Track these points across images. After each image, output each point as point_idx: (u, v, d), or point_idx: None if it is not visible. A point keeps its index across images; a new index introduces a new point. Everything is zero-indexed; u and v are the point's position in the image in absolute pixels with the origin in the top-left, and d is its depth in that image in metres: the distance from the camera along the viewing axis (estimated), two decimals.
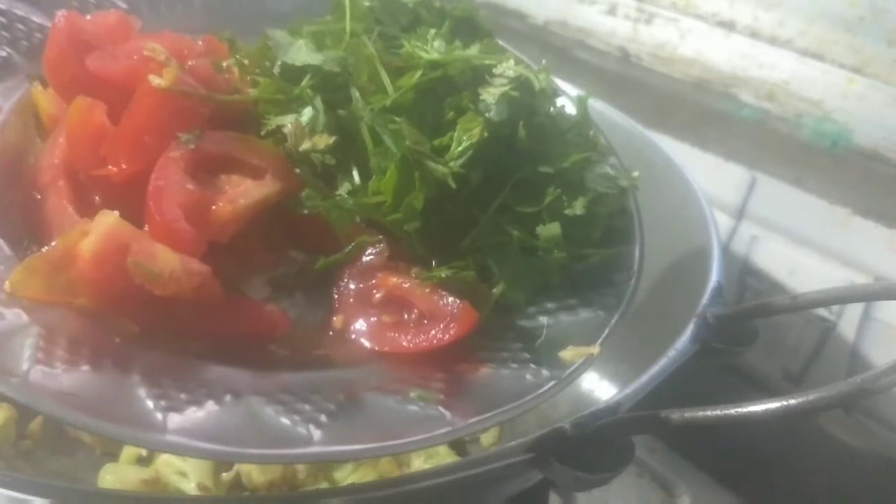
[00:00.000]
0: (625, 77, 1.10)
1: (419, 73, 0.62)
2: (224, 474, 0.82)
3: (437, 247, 0.60)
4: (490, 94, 0.60)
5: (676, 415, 0.54)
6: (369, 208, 0.59)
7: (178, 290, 0.52)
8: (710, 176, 0.98)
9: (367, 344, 0.56)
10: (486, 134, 0.59)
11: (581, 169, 0.62)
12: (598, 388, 0.88)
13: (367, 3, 0.71)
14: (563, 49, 1.16)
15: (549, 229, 0.60)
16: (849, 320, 0.94)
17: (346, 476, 0.82)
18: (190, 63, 0.64)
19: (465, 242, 0.60)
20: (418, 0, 0.73)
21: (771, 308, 0.71)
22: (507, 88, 0.60)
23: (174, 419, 0.45)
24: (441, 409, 0.49)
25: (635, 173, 0.67)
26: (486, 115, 0.59)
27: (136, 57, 0.61)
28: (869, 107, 0.89)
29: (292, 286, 0.60)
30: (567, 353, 0.55)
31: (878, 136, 0.90)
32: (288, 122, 0.62)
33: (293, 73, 0.65)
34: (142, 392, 0.47)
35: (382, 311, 0.57)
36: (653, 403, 0.60)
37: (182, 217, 0.54)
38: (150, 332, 0.52)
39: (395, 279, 0.57)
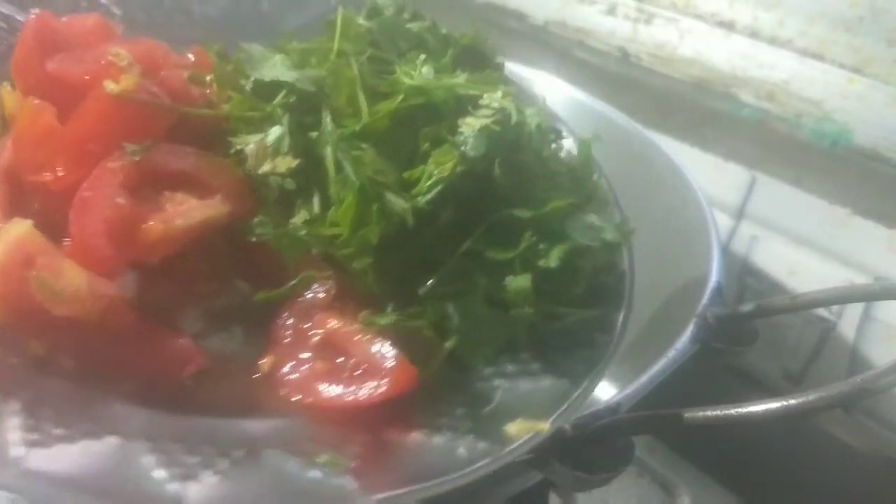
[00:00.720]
0: (624, 77, 1.10)
1: (399, 98, 0.58)
2: None
3: (395, 290, 0.54)
4: (469, 126, 0.55)
5: (676, 415, 0.54)
6: (324, 240, 0.54)
7: (81, 313, 0.48)
8: (709, 176, 0.98)
9: (291, 393, 0.51)
10: (459, 169, 0.54)
11: (563, 216, 0.56)
12: (599, 388, 0.88)
13: (365, 25, 0.68)
14: (562, 49, 1.16)
15: (519, 281, 0.54)
16: (849, 320, 0.94)
17: None
18: (162, 73, 0.61)
19: (424, 287, 0.54)
20: (425, 25, 0.69)
21: (771, 308, 0.71)
22: (488, 121, 0.55)
23: (36, 455, 0.41)
24: (349, 478, 0.44)
25: (628, 227, 0.60)
26: (462, 148, 0.54)
27: (100, 61, 0.58)
28: (869, 107, 0.89)
29: (231, 319, 0.56)
30: (514, 427, 0.48)
31: (878, 136, 0.90)
32: (252, 141, 0.58)
33: (267, 91, 0.61)
34: (14, 422, 0.43)
35: (317, 357, 0.52)
36: (653, 404, 0.61)
37: (103, 232, 0.50)
38: (54, 355, 0.48)
39: (336, 322, 0.52)
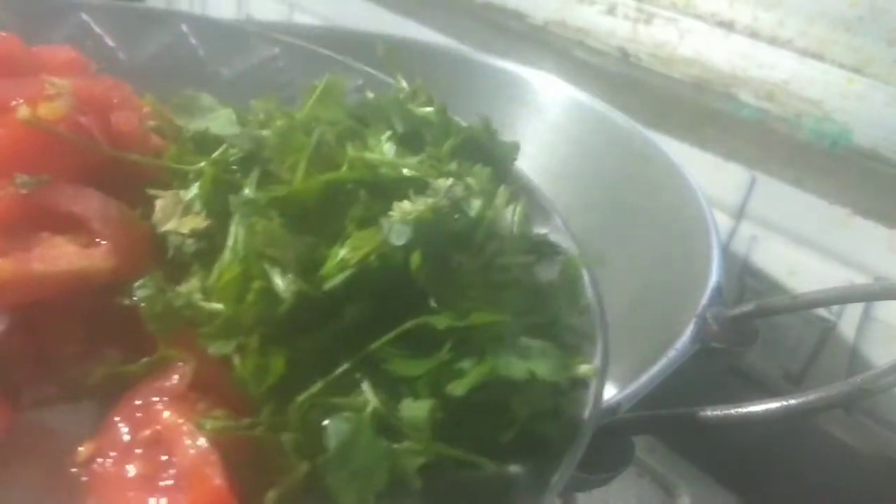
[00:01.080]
0: (624, 77, 1.10)
1: (341, 171, 0.51)
2: None
3: (273, 391, 0.45)
4: (401, 211, 0.47)
5: (676, 415, 0.54)
6: (202, 316, 0.47)
7: None
8: (709, 176, 0.98)
9: (94, 490, 0.44)
10: (374, 258, 0.46)
11: (491, 335, 0.46)
12: None
13: (362, 98, 0.63)
14: (562, 49, 1.16)
15: (415, 408, 0.43)
16: (849, 320, 0.94)
17: None
18: (114, 115, 0.57)
19: (304, 395, 0.44)
20: (435, 110, 0.62)
21: (771, 308, 0.71)
22: (424, 208, 0.47)
23: None
24: None
25: (586, 368, 0.50)
26: (386, 234, 0.47)
27: (38, 90, 0.53)
28: (869, 107, 0.89)
29: (86, 390, 0.48)
30: None
31: (878, 136, 0.89)
32: (167, 195, 0.53)
33: (210, 145, 0.56)
34: None
35: (142, 456, 0.44)
36: (653, 404, 0.60)
37: None
38: None
39: (173, 418, 0.44)
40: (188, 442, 0.43)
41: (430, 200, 0.48)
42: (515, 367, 0.45)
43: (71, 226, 0.50)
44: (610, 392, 0.67)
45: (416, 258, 0.46)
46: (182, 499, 0.41)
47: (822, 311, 0.96)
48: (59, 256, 0.48)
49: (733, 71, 0.99)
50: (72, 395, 0.48)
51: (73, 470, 0.44)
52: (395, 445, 0.43)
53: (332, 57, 0.78)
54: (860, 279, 0.93)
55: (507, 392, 0.45)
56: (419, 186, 0.51)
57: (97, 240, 0.50)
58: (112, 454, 0.44)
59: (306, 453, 0.43)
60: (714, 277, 0.72)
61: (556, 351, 0.47)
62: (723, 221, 1.01)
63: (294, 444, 0.43)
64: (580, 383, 0.49)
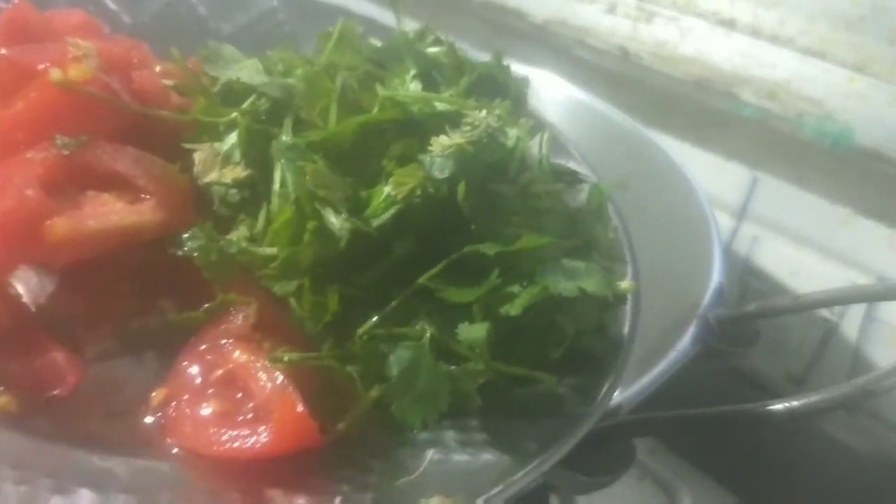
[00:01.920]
0: (625, 76, 1.10)
1: (372, 112, 0.52)
2: None
3: (331, 326, 0.47)
4: (440, 145, 0.48)
5: (678, 417, 0.54)
6: (258, 261, 0.48)
7: None
8: (710, 176, 0.97)
9: (171, 433, 0.45)
10: (420, 192, 0.47)
11: (538, 258, 0.48)
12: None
13: (373, 44, 0.63)
14: (562, 48, 1.16)
15: (474, 330, 0.45)
16: (851, 321, 0.94)
17: None
18: (135, 73, 0.58)
19: (364, 327, 0.46)
20: (443, 49, 0.63)
21: (773, 309, 0.70)
22: (462, 141, 0.48)
23: None
24: None
25: (626, 284, 0.51)
26: (428, 169, 0.48)
27: (63, 53, 0.54)
28: (870, 106, 0.89)
29: (147, 342, 0.50)
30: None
31: (880, 136, 0.89)
32: (203, 148, 0.54)
33: (236, 97, 0.57)
34: None
35: (216, 395, 0.45)
36: (654, 405, 0.60)
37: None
38: None
39: (244, 355, 0.46)
40: (264, 377, 0.44)
41: (468, 132, 0.49)
42: (565, 286, 0.47)
43: (115, 183, 0.51)
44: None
45: (461, 189, 0.48)
46: (265, 428, 0.43)
47: (824, 312, 0.96)
48: (110, 213, 0.49)
49: (734, 70, 0.99)
50: (133, 348, 0.50)
51: (149, 417, 0.46)
52: (455, 368, 0.45)
53: (331, 5, 0.78)
54: (862, 279, 0.92)
55: (555, 311, 0.48)
56: (453, 121, 0.51)
57: (142, 195, 0.51)
58: (186, 397, 0.46)
59: (372, 381, 0.45)
60: (715, 278, 0.72)
61: (599, 269, 0.49)
62: (724, 221, 1.01)
63: (360, 373, 0.45)
64: (619, 299, 0.52)
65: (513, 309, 0.45)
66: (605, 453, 0.55)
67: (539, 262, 0.48)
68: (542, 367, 0.48)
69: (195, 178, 0.54)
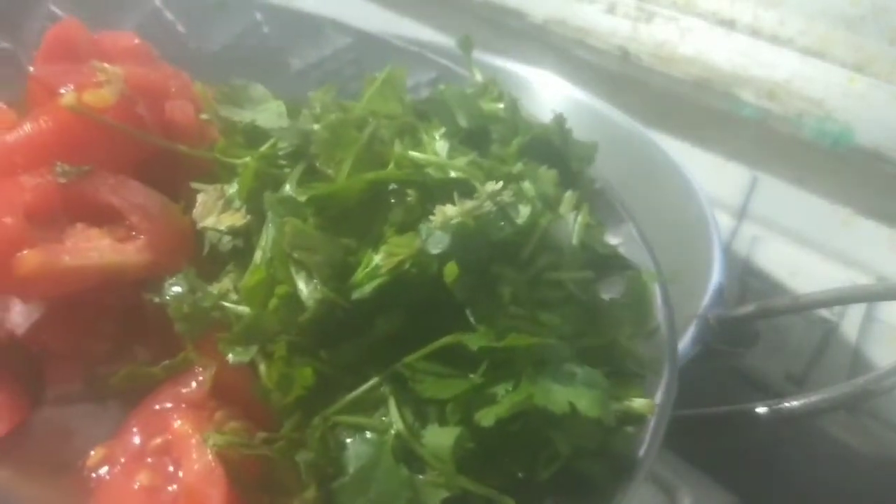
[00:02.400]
0: (625, 76, 1.10)
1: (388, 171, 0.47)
2: None
3: (304, 402, 0.42)
4: (442, 216, 0.43)
5: (678, 417, 0.54)
6: (229, 319, 0.45)
7: None
8: (710, 176, 0.97)
9: (95, 499, 0.42)
10: (409, 266, 0.42)
11: (532, 359, 0.41)
12: None
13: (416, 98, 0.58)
14: (562, 48, 1.16)
15: (441, 436, 0.40)
16: (851, 321, 0.94)
17: None
18: (168, 104, 0.56)
19: (325, 412, 0.42)
20: (505, 106, 0.57)
21: (773, 309, 0.70)
22: (467, 213, 0.43)
23: None
24: None
25: (642, 403, 0.44)
26: (424, 241, 0.43)
27: (91, 76, 0.52)
28: (870, 106, 0.89)
29: (111, 390, 0.47)
30: None
31: (880, 136, 0.89)
32: (208, 189, 0.51)
33: (259, 138, 0.53)
34: None
35: (151, 465, 0.42)
36: None
37: None
38: None
39: (186, 427, 0.42)
40: (194, 455, 0.41)
41: (473, 204, 0.43)
42: (554, 398, 0.40)
43: (110, 217, 0.49)
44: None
45: (451, 269, 0.42)
46: None
47: (824, 312, 0.95)
48: (92, 249, 0.46)
49: (734, 70, 0.99)
50: (97, 395, 0.47)
51: (84, 474, 0.43)
52: (418, 475, 0.40)
53: (406, 49, 0.75)
54: (862, 279, 0.92)
55: (547, 425, 0.41)
56: (466, 189, 0.46)
57: (134, 233, 0.49)
58: (122, 461, 0.43)
59: (321, 476, 0.41)
60: (715, 278, 0.72)
61: (604, 381, 0.42)
62: (724, 221, 1.00)
63: (309, 464, 0.41)
64: (634, 418, 0.44)
65: (487, 417, 0.39)
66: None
67: (534, 364, 0.41)
68: (527, 487, 0.42)
69: (195, 221, 0.51)
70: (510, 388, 0.41)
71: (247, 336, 0.43)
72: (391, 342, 0.43)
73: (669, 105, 1.06)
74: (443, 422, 0.40)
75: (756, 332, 0.70)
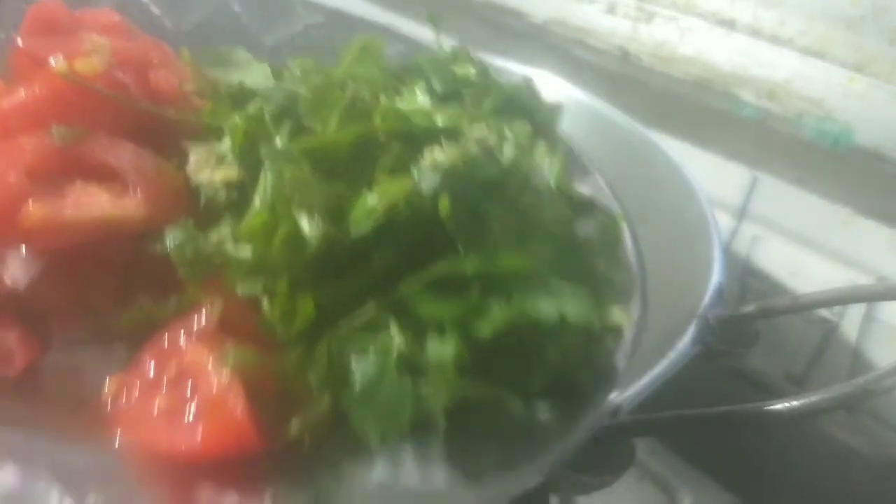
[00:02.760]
0: (624, 76, 1.10)
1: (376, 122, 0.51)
2: None
3: (301, 331, 0.46)
4: (431, 159, 0.47)
5: (678, 417, 0.54)
6: (231, 261, 0.48)
7: None
8: (710, 176, 0.97)
9: (119, 423, 0.45)
10: (403, 205, 0.46)
11: (519, 279, 0.46)
12: None
13: (396, 61, 0.62)
14: (562, 48, 1.16)
15: (442, 348, 0.43)
16: (851, 321, 0.94)
17: None
18: (153, 73, 0.59)
19: (330, 333, 0.45)
20: (474, 70, 0.62)
21: (773, 309, 0.70)
22: (453, 156, 0.47)
23: None
24: None
25: (619, 313, 0.49)
26: (417, 182, 0.47)
27: (78, 47, 0.55)
28: (871, 106, 0.89)
29: (117, 335, 0.50)
30: None
31: (880, 136, 0.89)
32: (200, 147, 0.54)
33: (246, 101, 0.57)
34: None
35: (168, 391, 0.45)
36: (654, 406, 0.60)
37: None
38: None
39: (200, 355, 0.45)
40: (211, 375, 0.43)
41: (461, 148, 0.48)
42: (545, 308, 0.44)
43: (106, 176, 0.51)
44: (611, 394, 0.66)
45: (444, 204, 0.46)
46: (202, 428, 0.42)
47: (824, 312, 0.95)
48: (92, 203, 0.49)
49: (734, 70, 0.99)
50: (103, 338, 0.49)
51: (102, 407, 0.46)
52: (420, 386, 0.43)
53: (375, 24, 0.78)
54: (862, 279, 0.92)
55: (538, 336, 0.45)
56: (452, 135, 0.50)
57: (130, 190, 0.51)
58: (138, 389, 0.45)
59: (332, 389, 0.44)
60: (715, 278, 0.72)
61: (589, 293, 0.47)
62: (724, 222, 1.00)
63: (320, 380, 0.44)
64: (615, 331, 0.50)
65: (484, 329, 0.43)
66: (605, 453, 0.55)
67: (519, 283, 0.46)
68: (520, 394, 0.46)
69: (188, 177, 0.54)
70: (503, 305, 0.45)
71: (254, 272, 0.47)
72: (387, 275, 0.46)
73: (669, 105, 1.06)
74: (442, 338, 0.44)
75: (756, 331, 0.70)
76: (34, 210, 0.47)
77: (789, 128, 0.95)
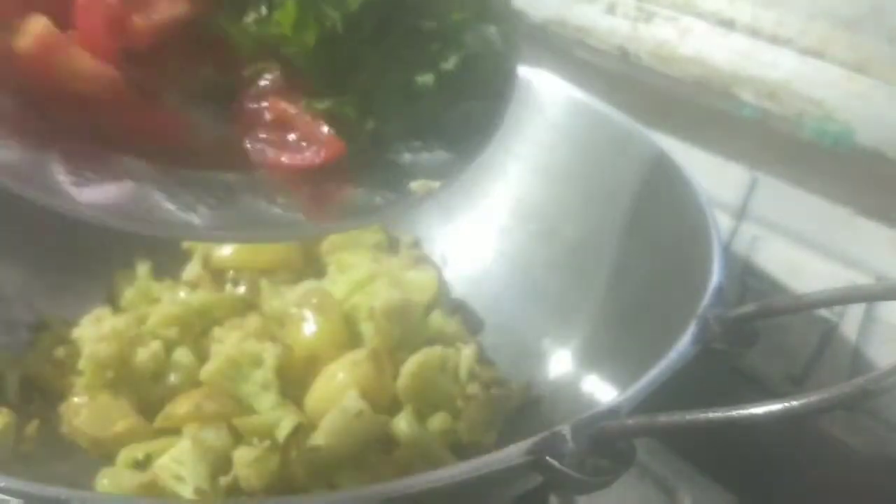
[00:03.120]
0: (624, 76, 1.10)
1: None
2: (222, 478, 0.81)
3: (330, 82, 0.64)
4: None
5: (677, 417, 0.54)
6: (271, 38, 0.63)
7: (91, 89, 0.59)
8: (710, 176, 0.97)
9: (251, 157, 0.63)
10: None
11: (464, 29, 0.66)
12: (599, 390, 0.88)
13: None
14: (561, 48, 1.16)
15: (425, 78, 0.65)
16: (851, 321, 0.94)
17: (346, 479, 0.82)
18: None
19: (352, 81, 0.64)
20: None
21: (772, 309, 0.70)
22: None
23: (81, 191, 0.54)
24: (300, 214, 0.60)
25: (517, 38, 0.69)
26: None
27: None
28: (870, 106, 0.89)
29: (203, 99, 0.65)
30: (416, 185, 0.63)
31: (880, 136, 0.89)
32: None
33: None
34: (59, 167, 0.55)
35: (269, 131, 0.63)
36: (654, 406, 0.60)
37: (101, 26, 0.60)
38: (69, 126, 0.59)
39: (283, 105, 0.63)
40: (306, 118, 0.62)
41: None
42: (483, 47, 0.64)
43: None
44: (611, 394, 0.67)
45: None
46: (313, 151, 0.61)
47: (824, 312, 0.95)
48: (161, 7, 0.61)
49: (734, 70, 0.99)
50: (195, 103, 0.64)
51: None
52: (415, 103, 0.63)
53: None
54: (862, 279, 0.92)
55: (474, 60, 0.64)
56: None
57: None
58: (249, 134, 0.62)
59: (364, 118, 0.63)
60: (715, 278, 0.72)
61: (499, 31, 0.66)
62: (724, 222, 1.01)
63: (358, 112, 0.62)
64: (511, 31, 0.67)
65: (449, 65, 0.63)
66: (604, 453, 0.55)
67: (464, 31, 0.64)
68: (465, 97, 0.66)
69: None
70: (456, 48, 0.65)
71: (300, 46, 0.61)
72: (373, 38, 0.62)
73: (669, 105, 1.06)
74: (421, 71, 0.64)
75: (756, 332, 0.70)
76: (139, 21, 0.60)
77: (789, 128, 0.95)
